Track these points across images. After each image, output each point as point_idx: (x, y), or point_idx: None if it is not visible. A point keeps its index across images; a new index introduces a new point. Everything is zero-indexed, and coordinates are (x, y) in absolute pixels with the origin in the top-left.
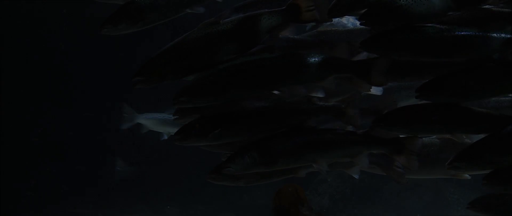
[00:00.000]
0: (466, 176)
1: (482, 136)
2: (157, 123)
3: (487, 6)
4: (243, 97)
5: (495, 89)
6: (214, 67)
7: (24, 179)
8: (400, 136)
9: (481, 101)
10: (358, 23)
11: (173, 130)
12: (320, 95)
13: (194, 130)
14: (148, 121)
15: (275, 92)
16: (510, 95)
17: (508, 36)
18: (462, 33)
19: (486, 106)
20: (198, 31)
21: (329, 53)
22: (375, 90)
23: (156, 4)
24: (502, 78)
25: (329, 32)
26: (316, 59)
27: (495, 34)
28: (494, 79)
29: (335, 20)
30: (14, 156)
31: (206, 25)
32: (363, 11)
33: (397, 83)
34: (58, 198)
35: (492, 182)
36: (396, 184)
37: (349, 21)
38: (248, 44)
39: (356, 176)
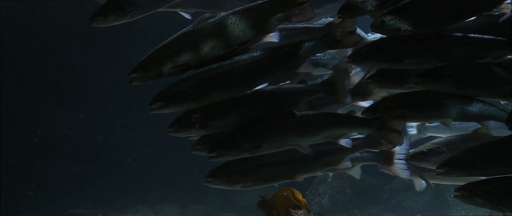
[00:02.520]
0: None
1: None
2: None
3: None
4: (221, 99)
5: (493, 90)
6: (190, 71)
7: (24, 179)
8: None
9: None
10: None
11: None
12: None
13: (194, 129)
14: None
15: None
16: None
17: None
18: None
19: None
20: (194, 27)
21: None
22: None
23: None
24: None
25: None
26: (286, 49)
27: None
28: (493, 78)
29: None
30: (14, 156)
31: (202, 21)
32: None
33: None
34: (58, 198)
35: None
36: (396, 184)
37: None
38: (245, 38)
39: (357, 177)
